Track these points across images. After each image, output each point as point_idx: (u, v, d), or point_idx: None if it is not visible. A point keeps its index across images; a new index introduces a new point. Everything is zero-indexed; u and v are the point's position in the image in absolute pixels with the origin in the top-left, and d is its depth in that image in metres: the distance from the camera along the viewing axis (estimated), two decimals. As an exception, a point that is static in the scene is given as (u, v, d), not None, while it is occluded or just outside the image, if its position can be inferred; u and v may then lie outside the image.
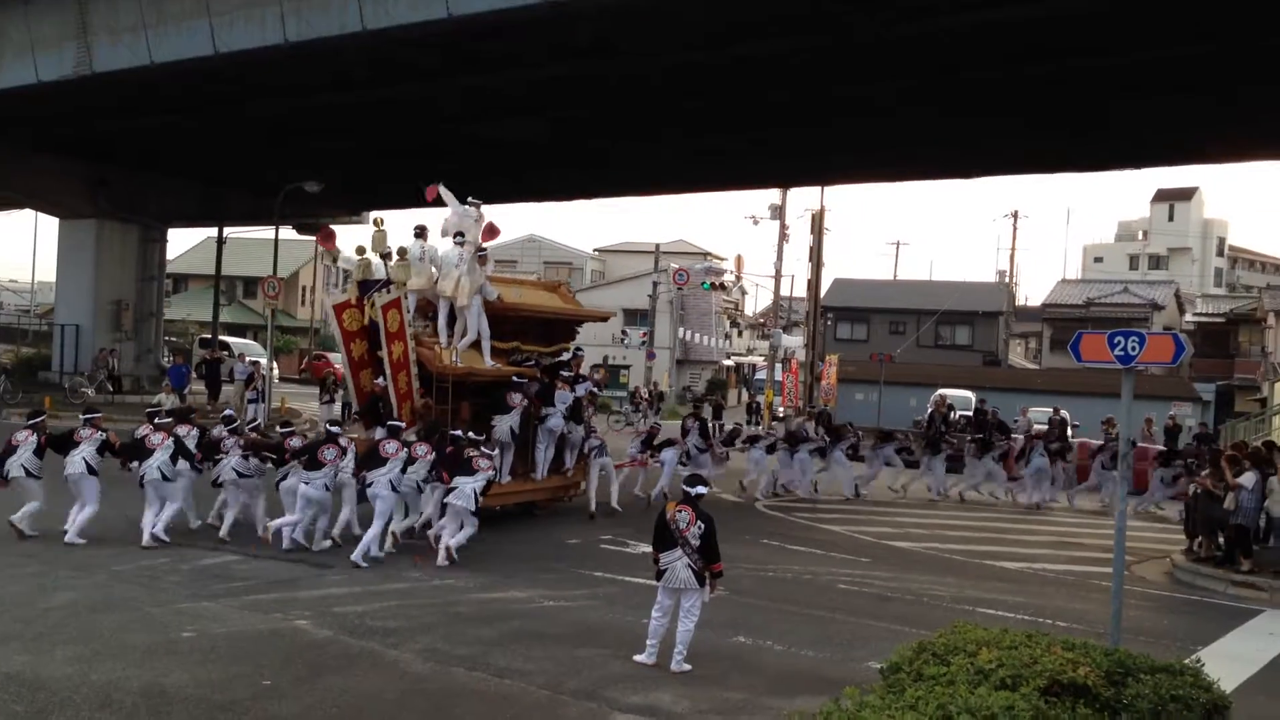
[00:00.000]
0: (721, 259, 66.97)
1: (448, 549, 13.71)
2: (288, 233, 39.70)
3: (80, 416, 14.91)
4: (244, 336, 51.45)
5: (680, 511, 9.76)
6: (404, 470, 13.87)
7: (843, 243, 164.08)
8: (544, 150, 29.55)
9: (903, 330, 53.39)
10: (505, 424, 16.34)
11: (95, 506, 13.80)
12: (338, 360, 22.78)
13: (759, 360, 66.84)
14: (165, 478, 13.87)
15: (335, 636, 10.11)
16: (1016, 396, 36.39)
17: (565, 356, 18.70)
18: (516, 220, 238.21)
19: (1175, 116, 23.40)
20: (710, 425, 24.91)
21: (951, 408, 31.42)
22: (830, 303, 52.31)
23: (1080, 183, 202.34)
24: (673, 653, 9.67)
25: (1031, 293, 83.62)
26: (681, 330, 60.85)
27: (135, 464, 14.13)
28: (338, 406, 24.11)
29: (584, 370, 19.52)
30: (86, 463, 13.78)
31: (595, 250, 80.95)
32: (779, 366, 45.87)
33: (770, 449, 22.68)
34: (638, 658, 9.80)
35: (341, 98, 24.77)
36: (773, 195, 44.28)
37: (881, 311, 55.01)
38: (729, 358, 71.62)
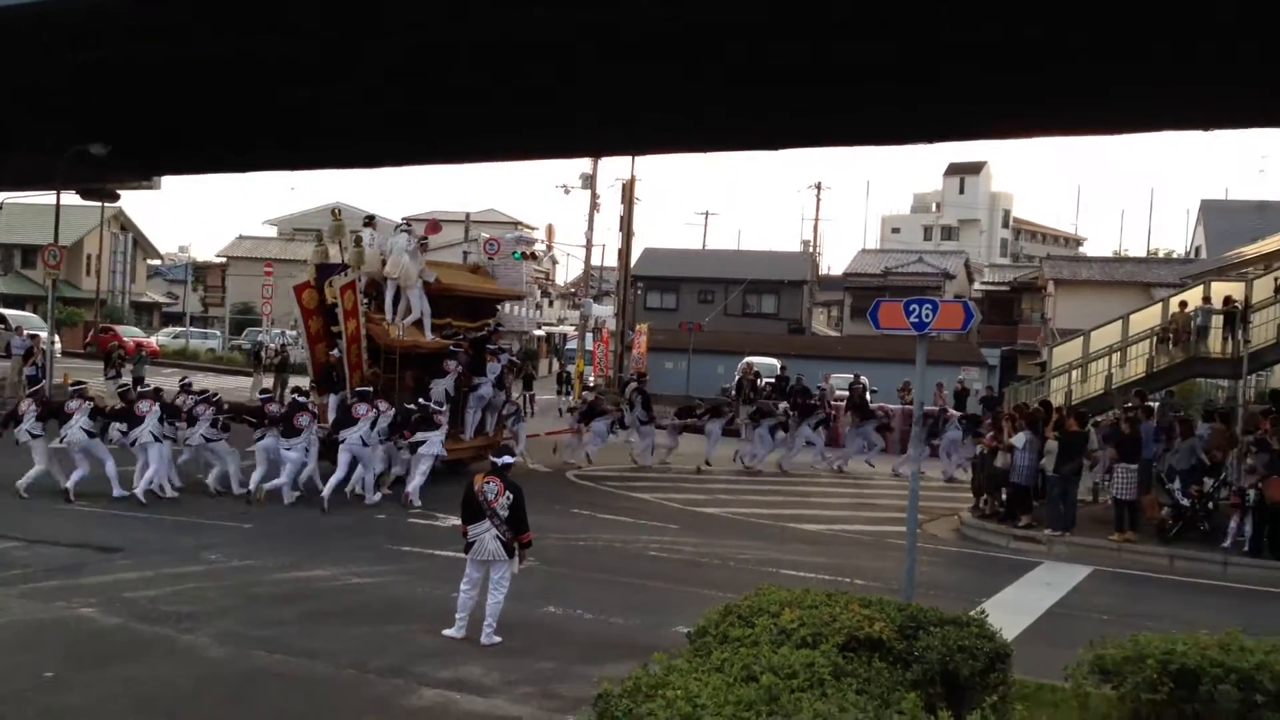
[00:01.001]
0: (533, 228, 66.62)
1: (407, 495, 16.37)
2: (71, 198, 37.40)
3: (69, 389, 16.87)
4: (22, 308, 48.33)
5: (488, 482, 9.68)
6: (372, 427, 16.22)
7: (653, 213, 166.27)
8: (356, 115, 28.65)
9: (711, 299, 54.32)
10: (440, 387, 18.55)
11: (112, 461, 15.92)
12: (128, 334, 22.19)
13: (570, 330, 66.97)
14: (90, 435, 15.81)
15: (125, 624, 9.65)
16: (820, 363, 37.50)
17: (488, 330, 21.29)
18: (323, 188, 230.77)
19: (966, 93, 24.36)
20: (527, 396, 25.04)
21: (758, 375, 32.13)
22: (641, 272, 52.76)
23: (879, 156, 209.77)
24: (482, 625, 9.61)
25: (834, 262, 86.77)
26: (492, 300, 60.23)
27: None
28: (125, 379, 22.95)
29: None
30: (85, 430, 15.69)
31: (404, 219, 79.40)
32: (590, 336, 46.04)
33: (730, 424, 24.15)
34: (447, 632, 9.71)
35: (120, 56, 23.33)
36: (584, 164, 44.32)
37: (691, 281, 55.80)
38: (540, 328, 71.52)
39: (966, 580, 13.69)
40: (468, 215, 57.38)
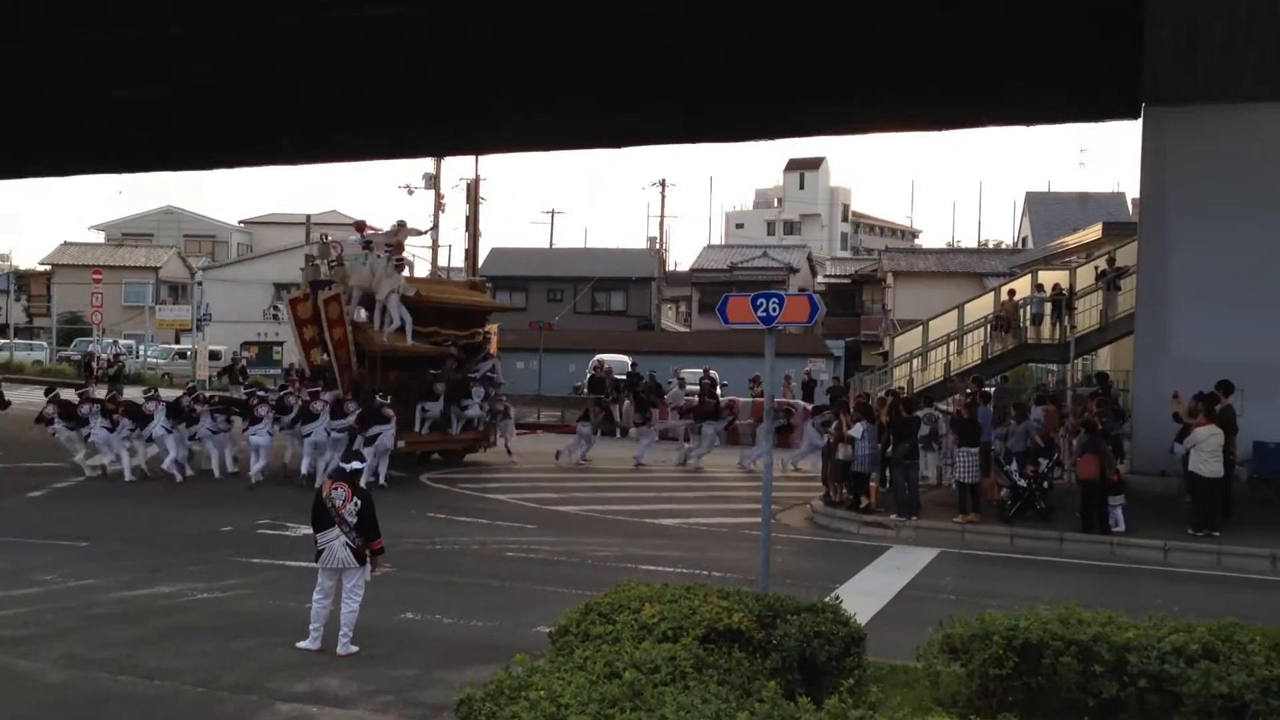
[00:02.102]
0: (377, 230, 65.43)
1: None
2: None
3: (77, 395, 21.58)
4: None
5: (336, 489, 9.48)
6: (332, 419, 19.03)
7: (499, 212, 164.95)
8: (180, 114, 27.68)
9: (560, 298, 54.30)
10: (435, 409, 21.98)
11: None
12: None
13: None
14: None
15: (-47, 653, 9.11)
16: (670, 359, 37.85)
17: (478, 338, 24.35)
18: (156, 190, 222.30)
19: (796, 90, 24.91)
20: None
21: (610, 371, 32.26)
22: (488, 272, 52.34)
23: (721, 153, 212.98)
24: (338, 636, 9.40)
25: (681, 258, 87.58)
26: (338, 303, 59.00)
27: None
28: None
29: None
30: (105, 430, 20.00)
31: (241, 222, 76.98)
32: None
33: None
34: (301, 644, 9.46)
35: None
36: (427, 164, 43.74)
37: (539, 280, 55.66)
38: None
39: (820, 568, 13.99)
40: (308, 218, 55.95)
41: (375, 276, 21.05)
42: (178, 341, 55.88)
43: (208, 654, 9.26)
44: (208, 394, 22.74)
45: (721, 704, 5.30)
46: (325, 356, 20.91)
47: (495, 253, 56.79)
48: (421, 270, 36.45)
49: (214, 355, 50.85)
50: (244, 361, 35.39)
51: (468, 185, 41.73)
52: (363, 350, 21.16)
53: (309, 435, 19.32)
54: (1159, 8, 17.74)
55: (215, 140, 31.16)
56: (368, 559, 9.54)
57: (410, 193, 46.14)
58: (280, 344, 55.37)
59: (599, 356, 35.90)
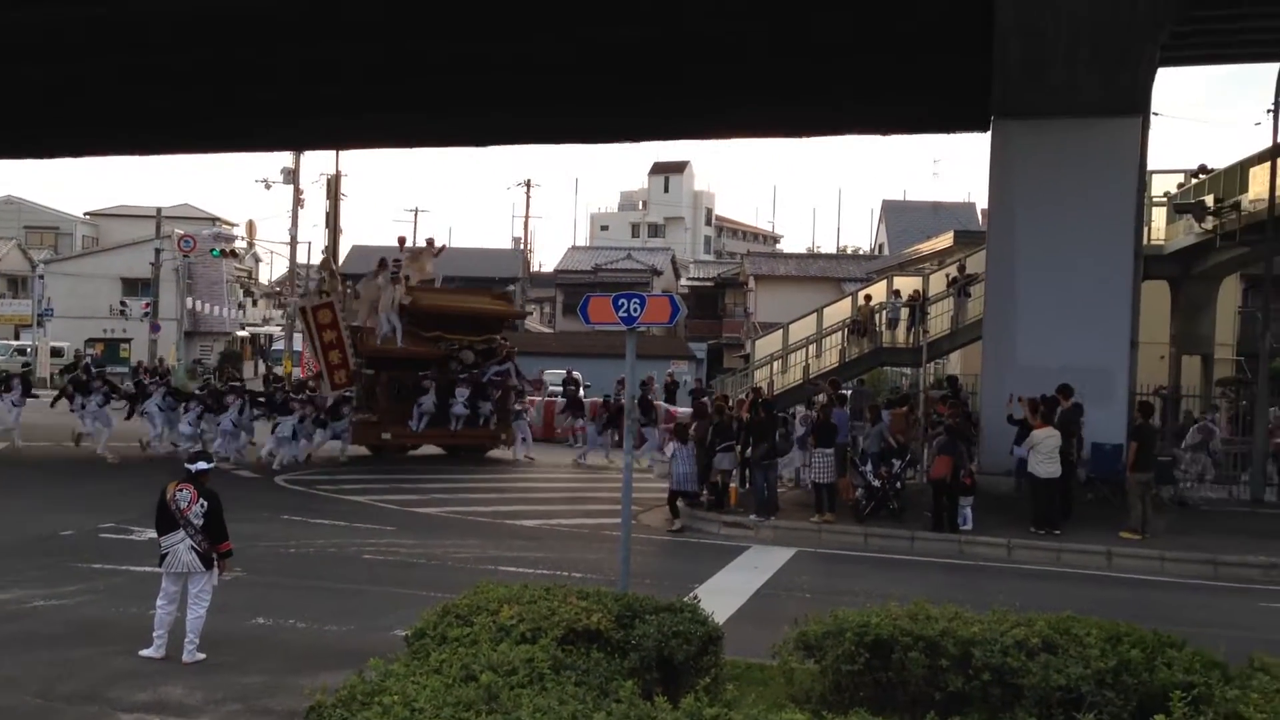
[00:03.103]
0: (232, 224, 63.58)
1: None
2: None
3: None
4: None
5: (180, 490, 9.17)
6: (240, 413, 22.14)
7: (361, 209, 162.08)
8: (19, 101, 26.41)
9: (423, 297, 53.51)
10: (428, 401, 23.84)
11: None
12: None
13: (276, 330, 64.42)
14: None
15: None
16: (534, 360, 37.66)
17: (492, 345, 25.34)
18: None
19: (669, 95, 25.12)
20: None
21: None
22: (350, 270, 50.99)
23: (586, 154, 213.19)
24: (184, 643, 9.08)
25: (545, 259, 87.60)
26: (189, 300, 57.24)
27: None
28: None
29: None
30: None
31: (86, 214, 73.85)
32: (298, 336, 44.38)
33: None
34: (144, 652, 9.12)
35: None
36: (286, 158, 42.67)
37: (402, 279, 54.72)
38: (244, 328, 68.40)
39: (681, 568, 14.09)
40: (159, 211, 53.97)
41: (379, 291, 23.55)
42: (17, 337, 53.39)
43: (44, 662, 8.85)
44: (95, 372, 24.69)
45: (578, 705, 5.29)
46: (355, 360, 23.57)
47: (356, 250, 55.72)
48: (281, 267, 35.81)
49: (56, 352, 48.69)
50: (89, 359, 34.08)
51: (328, 181, 40.85)
52: (359, 352, 23.70)
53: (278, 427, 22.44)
54: (1007, 27, 18.37)
55: (57, 128, 29.82)
56: (215, 563, 9.25)
57: (268, 187, 44.83)
58: (129, 340, 53.48)
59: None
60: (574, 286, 55.72)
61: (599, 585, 8.10)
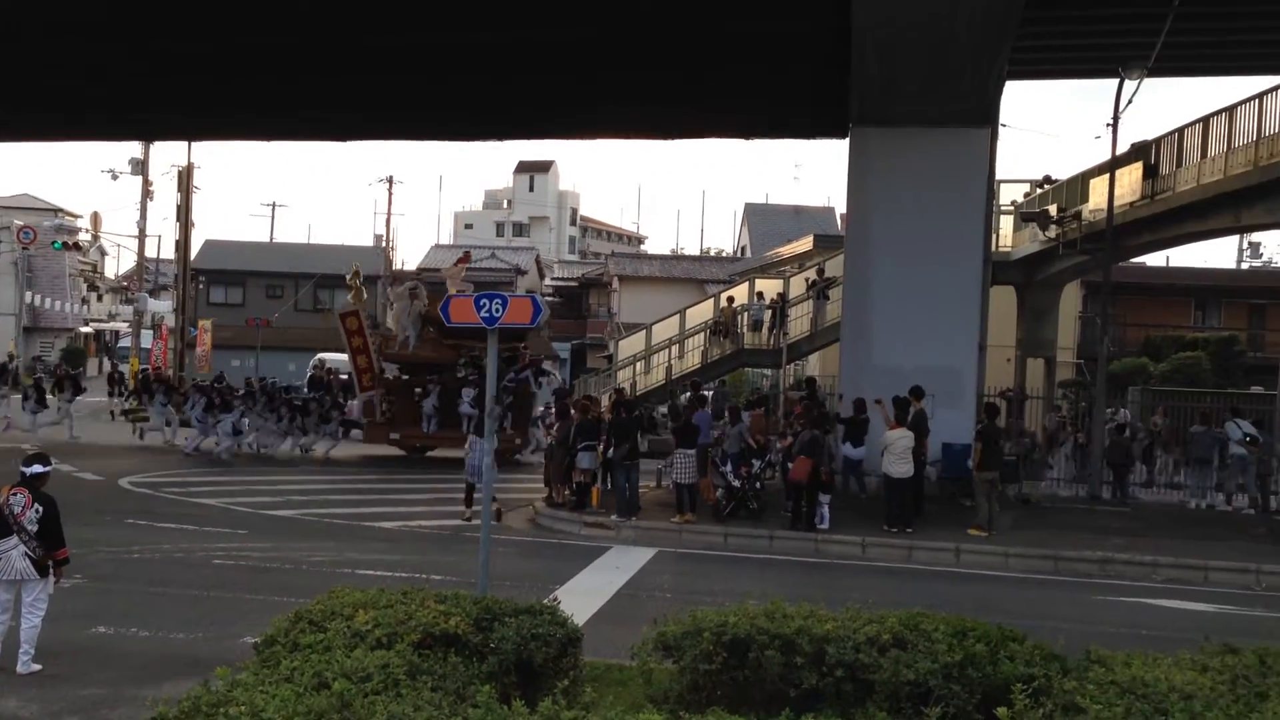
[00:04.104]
0: (76, 216, 60.88)
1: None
2: None
3: None
4: None
5: (14, 494, 8.75)
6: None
7: (215, 202, 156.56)
8: None
9: (281, 294, 52.24)
10: (429, 403, 25.45)
11: None
12: None
13: (123, 326, 61.98)
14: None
15: None
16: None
17: (514, 352, 25.31)
18: None
19: (533, 95, 25.01)
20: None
21: (332, 371, 31.34)
22: (202, 265, 49.75)
23: (451, 151, 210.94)
24: (18, 654, 8.65)
25: (408, 257, 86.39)
26: (29, 294, 54.70)
27: None
28: None
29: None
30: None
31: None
32: (147, 333, 42.86)
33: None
34: (-25, 665, 8.66)
35: None
36: (134, 148, 41.03)
37: (258, 274, 53.30)
38: (88, 324, 65.68)
39: (541, 569, 14.02)
40: (-5, 199, 51.56)
41: (403, 302, 25.52)
42: None
43: None
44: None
45: (434, 710, 5.21)
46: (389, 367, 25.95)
47: (209, 245, 54.03)
48: (129, 261, 35.07)
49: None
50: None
51: (179, 172, 39.38)
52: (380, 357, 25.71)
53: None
54: (864, 40, 18.80)
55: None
56: (51, 570, 8.84)
57: (115, 178, 43.03)
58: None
59: (320, 355, 34.75)
60: (437, 285, 54.94)
61: (458, 588, 8.00)
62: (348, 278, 27.34)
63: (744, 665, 6.92)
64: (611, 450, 17.58)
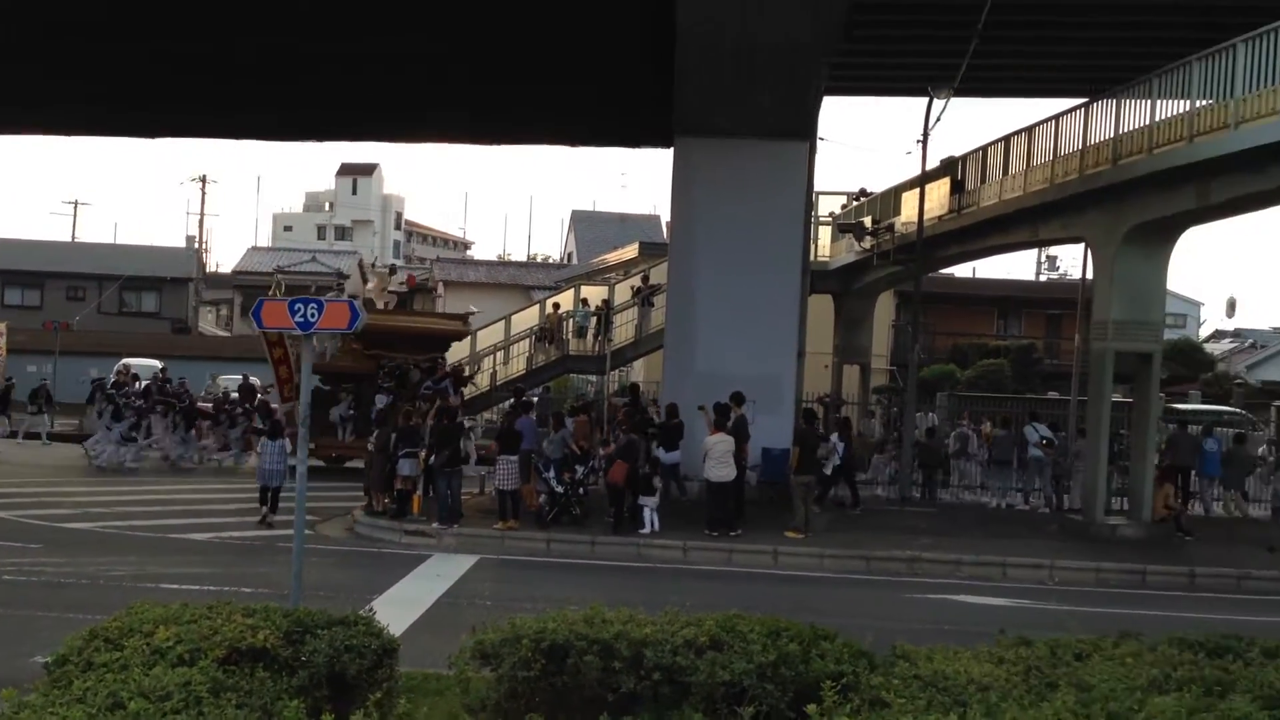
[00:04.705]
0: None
1: None
2: None
3: None
4: None
5: None
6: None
7: (9, 199, 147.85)
8: None
9: (83, 296, 49.76)
10: (335, 411, 24.88)
11: None
12: None
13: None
14: None
15: None
16: (207, 364, 35.83)
17: (433, 363, 24.89)
18: None
19: (355, 97, 24.50)
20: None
21: (136, 377, 29.96)
22: (-11, 266, 46.98)
23: (270, 151, 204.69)
24: None
25: (223, 259, 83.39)
26: None
27: None
28: None
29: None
30: None
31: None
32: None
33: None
34: None
35: None
36: (-80, 138, 38.37)
37: (58, 275, 50.60)
38: None
39: (359, 579, 13.71)
40: None
41: None
42: None
43: None
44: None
45: (239, 728, 5.03)
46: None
47: (3, 245, 51.04)
48: None
49: None
50: None
51: (-29, 166, 37.07)
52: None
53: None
54: (688, 52, 19.09)
55: None
56: None
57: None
58: None
59: (125, 361, 33.17)
60: (254, 288, 53.17)
61: (269, 601, 7.73)
62: (270, 290, 26.81)
63: (563, 671, 6.89)
64: (433, 457, 17.34)
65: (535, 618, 7.32)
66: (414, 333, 25.73)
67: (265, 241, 77.78)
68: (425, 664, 8.35)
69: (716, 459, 16.94)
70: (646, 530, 16.68)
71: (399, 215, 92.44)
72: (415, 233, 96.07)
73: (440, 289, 53.74)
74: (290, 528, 13.00)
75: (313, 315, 9.24)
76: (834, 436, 21.20)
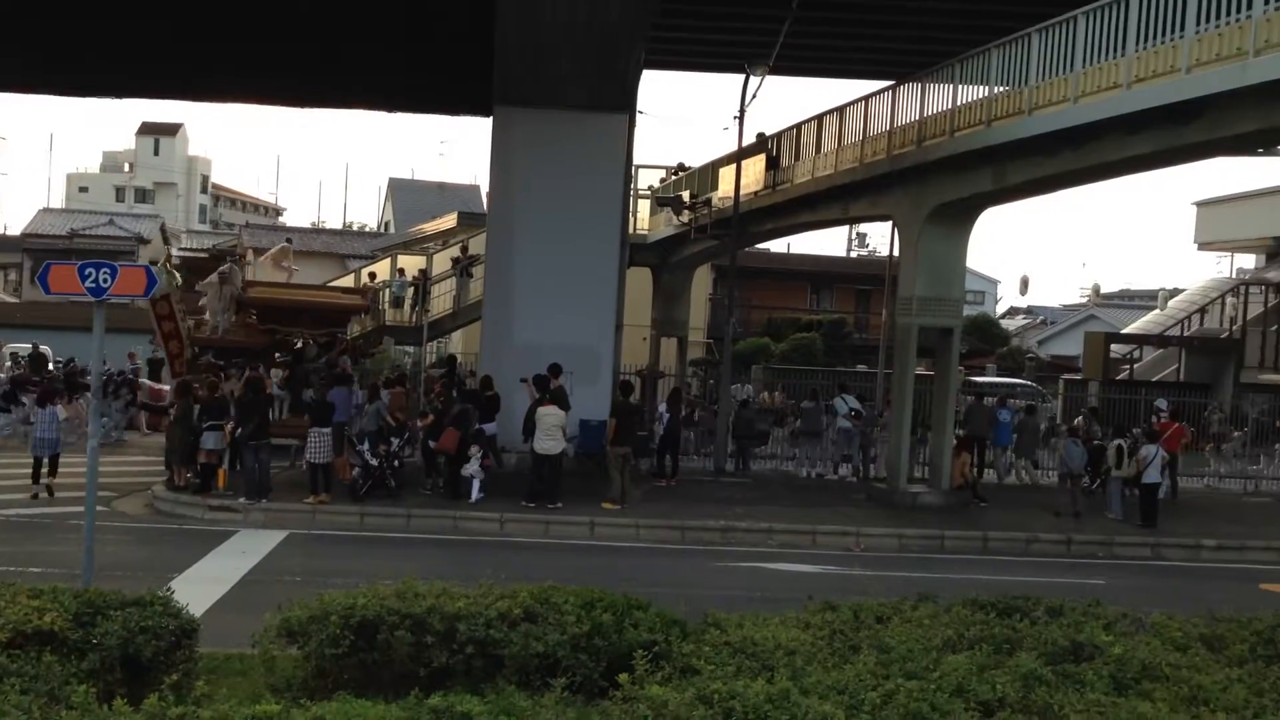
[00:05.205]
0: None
1: None
2: None
3: None
4: None
5: None
6: None
7: None
8: None
9: None
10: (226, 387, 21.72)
11: None
12: None
13: None
14: None
15: None
16: (-4, 332, 33.59)
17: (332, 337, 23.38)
18: None
19: (155, 50, 23.29)
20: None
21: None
22: None
23: (66, 108, 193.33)
24: None
25: (11, 222, 78.32)
26: None
27: None
28: None
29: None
30: None
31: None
32: None
33: None
34: None
35: None
36: None
37: None
38: None
39: (159, 557, 13.15)
40: None
41: (213, 287, 23.26)
42: None
43: None
44: None
45: (22, 715, 4.81)
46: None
47: None
48: None
49: None
50: None
51: None
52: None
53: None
54: (507, 21, 18.85)
55: None
56: None
57: None
58: None
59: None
60: (46, 252, 50.14)
61: (59, 581, 7.34)
62: (159, 262, 25.33)
63: (373, 647, 6.78)
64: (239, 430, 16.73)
65: (345, 593, 7.17)
66: (311, 307, 24.47)
67: (59, 203, 73.35)
68: (229, 644, 8.07)
69: (545, 431, 16.92)
70: (474, 499, 16.62)
71: (205, 178, 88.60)
72: (223, 197, 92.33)
73: (250, 256, 51.87)
74: (81, 504, 12.34)
75: (105, 280, 8.76)
76: (662, 406, 21.51)
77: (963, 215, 19.14)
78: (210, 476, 16.78)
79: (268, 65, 23.53)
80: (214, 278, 23.96)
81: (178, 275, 24.27)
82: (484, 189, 56.48)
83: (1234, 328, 34.52)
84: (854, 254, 59.33)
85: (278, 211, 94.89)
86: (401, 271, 28.63)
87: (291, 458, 19.28)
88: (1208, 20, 13.13)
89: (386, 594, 7.15)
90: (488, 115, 21.51)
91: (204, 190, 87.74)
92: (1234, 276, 39.52)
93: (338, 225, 74.35)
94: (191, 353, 22.61)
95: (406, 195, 64.43)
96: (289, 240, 31.23)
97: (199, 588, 9.64)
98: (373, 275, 28.80)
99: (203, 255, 56.80)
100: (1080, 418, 23.18)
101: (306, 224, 75.60)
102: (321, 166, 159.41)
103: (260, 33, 21.38)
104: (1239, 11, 12.70)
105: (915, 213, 19.14)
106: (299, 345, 23.31)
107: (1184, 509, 19.81)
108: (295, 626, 6.91)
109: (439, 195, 60.91)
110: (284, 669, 6.84)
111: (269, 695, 6.01)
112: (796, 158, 23.75)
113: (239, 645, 7.92)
